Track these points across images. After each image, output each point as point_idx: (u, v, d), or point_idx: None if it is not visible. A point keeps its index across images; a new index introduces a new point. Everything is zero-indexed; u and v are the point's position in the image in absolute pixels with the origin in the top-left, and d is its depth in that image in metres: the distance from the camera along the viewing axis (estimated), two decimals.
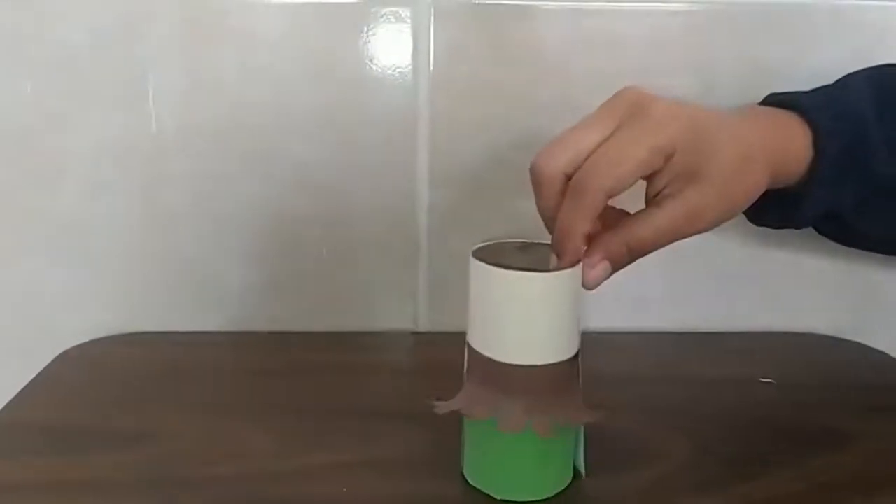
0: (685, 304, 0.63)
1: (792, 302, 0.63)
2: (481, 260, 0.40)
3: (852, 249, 0.56)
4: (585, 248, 0.40)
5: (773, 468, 0.45)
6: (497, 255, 0.40)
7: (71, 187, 0.59)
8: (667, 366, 0.57)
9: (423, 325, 0.63)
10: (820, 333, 0.64)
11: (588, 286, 0.40)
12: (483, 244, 0.42)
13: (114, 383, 0.53)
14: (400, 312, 0.63)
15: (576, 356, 0.41)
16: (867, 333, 0.63)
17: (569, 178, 0.39)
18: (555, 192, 0.39)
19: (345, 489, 0.42)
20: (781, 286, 0.63)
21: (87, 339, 0.60)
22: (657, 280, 0.62)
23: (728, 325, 0.64)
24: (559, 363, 0.40)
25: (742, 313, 0.64)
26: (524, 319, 0.39)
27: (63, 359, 0.57)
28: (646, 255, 0.41)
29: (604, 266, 0.40)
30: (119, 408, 0.50)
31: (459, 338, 0.42)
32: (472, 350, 0.41)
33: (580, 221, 0.38)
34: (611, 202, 0.39)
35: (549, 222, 0.40)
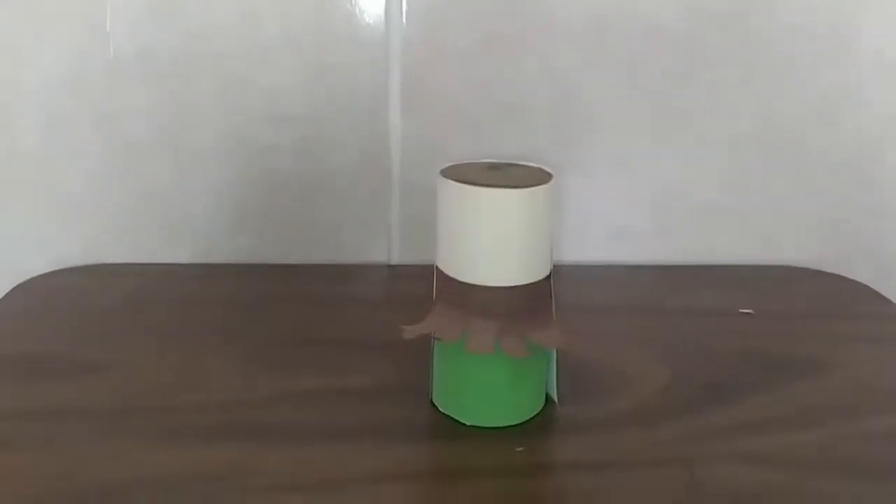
0: (665, 236, 0.62)
1: (773, 235, 0.62)
2: (450, 179, 0.38)
3: (834, 183, 0.54)
4: None
5: (751, 394, 0.44)
6: (467, 174, 0.39)
7: (27, 119, 0.56)
8: (645, 297, 0.56)
9: (397, 259, 0.62)
10: (800, 266, 0.63)
11: None
12: (452, 164, 0.40)
13: (75, 314, 0.51)
14: (373, 245, 0.61)
15: (548, 277, 0.39)
16: (848, 266, 0.63)
17: None
18: None
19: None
20: (762, 219, 0.62)
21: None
22: (637, 213, 0.61)
23: (708, 258, 0.63)
24: (531, 284, 0.38)
25: (722, 246, 0.62)
26: (496, 238, 0.37)
27: (22, 289, 0.55)
28: None
29: None
30: (82, 338, 0.48)
31: (433, 270, 0.40)
32: (440, 273, 0.40)
33: None
34: None
35: None
